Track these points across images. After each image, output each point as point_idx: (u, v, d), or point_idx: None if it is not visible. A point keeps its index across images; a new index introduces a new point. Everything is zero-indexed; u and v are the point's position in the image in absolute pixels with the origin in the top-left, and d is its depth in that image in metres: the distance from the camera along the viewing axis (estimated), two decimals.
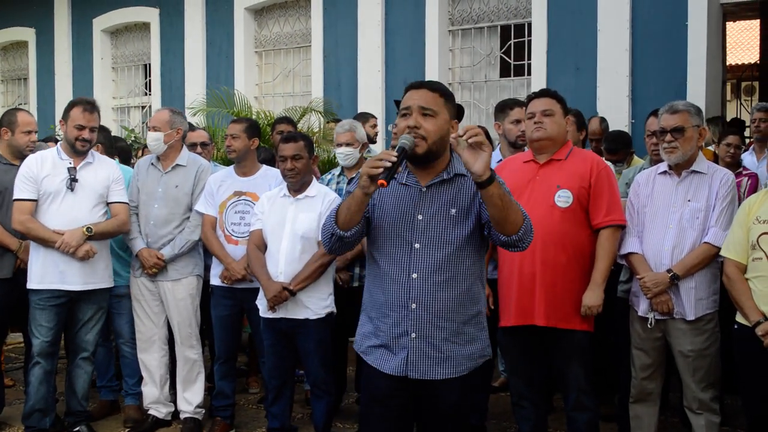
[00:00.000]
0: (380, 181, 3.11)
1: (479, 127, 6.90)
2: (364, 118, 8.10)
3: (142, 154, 7.72)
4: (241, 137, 5.63)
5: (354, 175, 5.74)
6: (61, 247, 5.19)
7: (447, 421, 3.48)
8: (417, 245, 3.37)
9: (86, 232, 5.26)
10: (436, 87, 3.43)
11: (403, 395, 3.47)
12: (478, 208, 3.36)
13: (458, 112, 4.90)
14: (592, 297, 4.47)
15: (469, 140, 3.09)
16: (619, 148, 6.67)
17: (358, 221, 3.37)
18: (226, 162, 7.60)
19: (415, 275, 3.37)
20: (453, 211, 3.36)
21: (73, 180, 5.31)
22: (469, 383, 3.48)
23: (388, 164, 3.13)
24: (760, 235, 4.21)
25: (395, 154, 3.18)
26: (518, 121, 5.54)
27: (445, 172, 3.42)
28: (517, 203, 3.27)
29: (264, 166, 5.75)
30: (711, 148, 7.30)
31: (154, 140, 5.71)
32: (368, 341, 3.53)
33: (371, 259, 3.55)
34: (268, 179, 5.59)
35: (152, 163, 5.78)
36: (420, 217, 3.37)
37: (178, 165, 5.74)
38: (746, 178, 6.16)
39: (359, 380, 5.28)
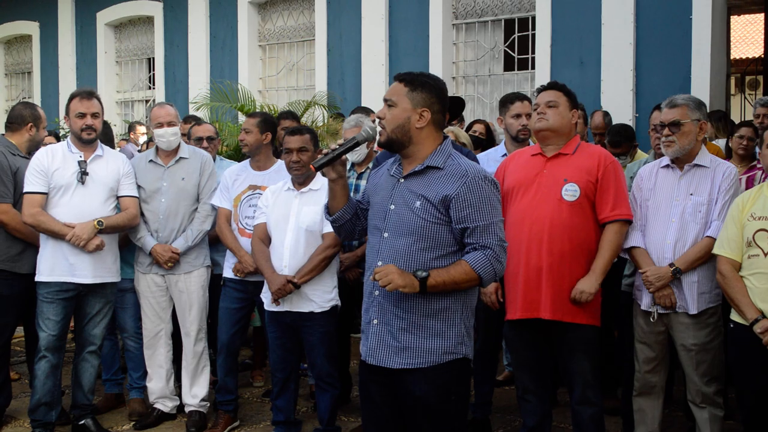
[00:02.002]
0: (311, 165, 3.35)
1: (480, 121, 6.88)
2: (365, 112, 8.11)
3: (147, 149, 7.72)
4: (253, 132, 5.64)
5: (363, 170, 5.77)
6: (71, 240, 5.20)
7: (416, 413, 3.50)
8: (386, 234, 3.50)
9: (97, 226, 5.27)
10: (404, 77, 3.52)
11: (379, 381, 3.56)
12: (444, 205, 3.41)
13: (457, 105, 4.92)
14: (587, 283, 4.44)
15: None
16: (621, 141, 6.66)
17: (337, 207, 3.64)
18: (234, 156, 7.62)
19: (379, 263, 3.47)
20: (417, 203, 3.42)
21: (83, 173, 5.31)
22: (438, 378, 3.46)
23: (326, 150, 3.40)
24: (756, 232, 4.20)
25: (339, 143, 3.43)
26: (519, 116, 5.55)
27: (421, 164, 3.48)
28: (471, 264, 3.36)
29: (279, 161, 5.74)
30: (717, 142, 7.27)
31: (173, 135, 5.72)
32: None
33: None
34: (283, 173, 5.59)
35: (151, 160, 5.78)
36: (392, 207, 3.48)
37: (181, 158, 5.76)
38: (760, 172, 6.10)
39: None
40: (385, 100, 3.49)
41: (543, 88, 4.73)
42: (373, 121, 3.63)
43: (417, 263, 3.41)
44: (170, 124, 5.71)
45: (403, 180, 3.50)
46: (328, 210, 3.72)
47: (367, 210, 3.68)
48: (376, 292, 3.51)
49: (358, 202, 3.73)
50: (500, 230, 3.44)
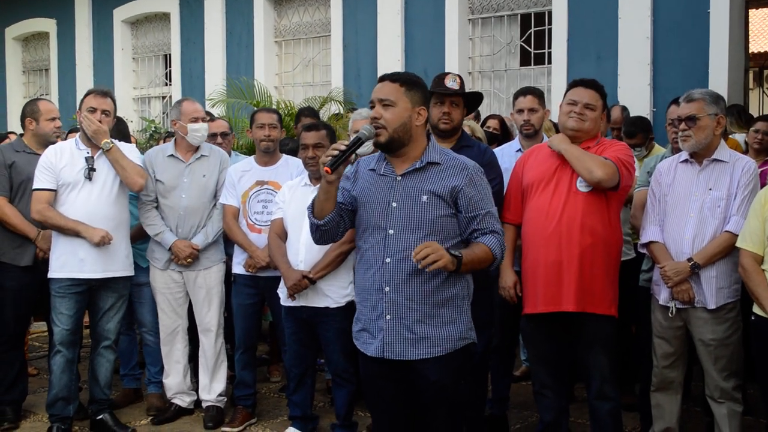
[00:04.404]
0: (325, 168, 3.41)
1: (495, 116, 6.83)
2: None
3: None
4: (278, 127, 5.71)
5: None
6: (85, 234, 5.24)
7: (431, 401, 3.62)
8: (391, 231, 3.57)
9: (105, 146, 5.31)
10: (397, 77, 3.62)
11: (390, 376, 3.65)
12: (453, 196, 3.58)
13: (475, 99, 4.95)
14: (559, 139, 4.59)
15: (426, 270, 3.40)
16: (636, 131, 6.62)
17: (329, 209, 3.64)
18: (250, 152, 7.64)
19: (388, 260, 3.57)
20: (424, 198, 3.56)
21: (90, 169, 5.33)
22: (451, 365, 3.61)
23: (336, 152, 3.40)
24: None
25: (346, 143, 3.46)
26: (521, 111, 5.57)
27: (419, 161, 3.61)
28: (491, 246, 3.57)
29: (284, 156, 5.78)
30: (735, 137, 7.21)
31: (206, 130, 5.81)
32: (356, 326, 3.77)
33: (358, 248, 3.76)
34: (290, 168, 5.62)
35: (171, 155, 5.79)
36: (394, 204, 3.58)
37: (202, 155, 5.77)
38: None
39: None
40: (381, 100, 3.55)
41: (582, 84, 4.66)
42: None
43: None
44: (204, 119, 5.78)
45: (400, 178, 3.60)
46: (316, 213, 3.68)
47: (351, 211, 3.72)
48: (387, 288, 3.57)
49: (340, 203, 3.73)
50: (498, 219, 3.71)
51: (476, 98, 5.08)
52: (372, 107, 3.59)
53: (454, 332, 3.61)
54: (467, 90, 4.96)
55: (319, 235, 3.77)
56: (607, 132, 6.09)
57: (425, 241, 3.46)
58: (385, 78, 3.63)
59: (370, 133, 3.52)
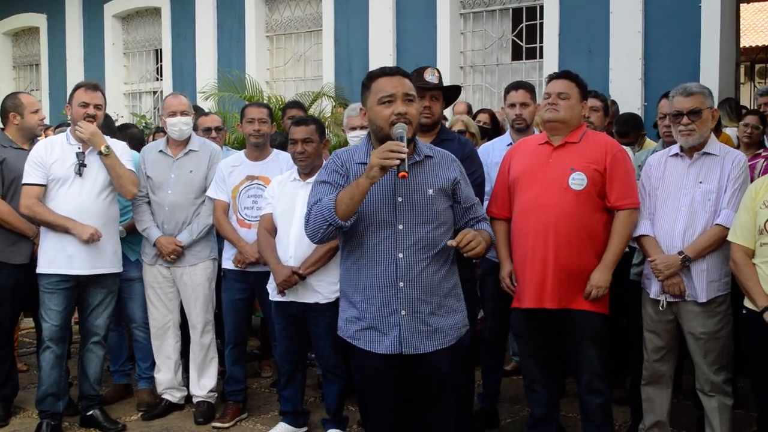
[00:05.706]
0: (402, 174, 3.33)
1: (485, 111, 6.81)
2: None
3: (153, 140, 7.71)
4: (268, 122, 5.66)
5: None
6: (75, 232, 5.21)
7: (441, 391, 3.69)
8: (400, 226, 3.57)
9: (104, 151, 5.27)
10: (407, 73, 3.66)
11: (397, 372, 3.67)
12: (453, 188, 3.68)
13: (455, 91, 4.97)
14: (600, 277, 4.43)
15: (467, 255, 3.51)
16: (629, 130, 6.62)
17: (356, 210, 3.53)
18: (241, 147, 7.62)
19: (401, 255, 3.57)
20: (430, 191, 3.59)
21: (81, 165, 5.30)
22: (458, 351, 3.75)
23: (403, 156, 3.31)
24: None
25: (403, 144, 3.36)
26: (513, 105, 5.54)
27: (416, 154, 3.62)
28: (489, 232, 3.78)
29: (275, 150, 5.76)
30: (728, 131, 7.21)
31: (186, 124, 5.72)
32: (354, 326, 3.72)
33: (351, 246, 3.69)
34: (280, 163, 5.60)
35: (161, 150, 5.77)
36: (400, 199, 3.57)
37: (190, 150, 5.74)
38: (763, 160, 6.06)
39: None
40: (406, 95, 3.54)
41: (555, 76, 4.69)
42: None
43: (437, 247, 3.60)
44: (183, 113, 5.71)
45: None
46: (344, 214, 3.49)
47: None
48: (401, 283, 3.58)
49: None
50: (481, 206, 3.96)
51: (456, 91, 5.08)
52: (388, 102, 3.53)
53: (458, 320, 3.72)
54: (456, 84, 4.95)
55: (333, 235, 3.63)
56: (605, 125, 6.05)
57: (435, 234, 3.58)
58: (397, 73, 3.60)
59: (406, 131, 3.48)
